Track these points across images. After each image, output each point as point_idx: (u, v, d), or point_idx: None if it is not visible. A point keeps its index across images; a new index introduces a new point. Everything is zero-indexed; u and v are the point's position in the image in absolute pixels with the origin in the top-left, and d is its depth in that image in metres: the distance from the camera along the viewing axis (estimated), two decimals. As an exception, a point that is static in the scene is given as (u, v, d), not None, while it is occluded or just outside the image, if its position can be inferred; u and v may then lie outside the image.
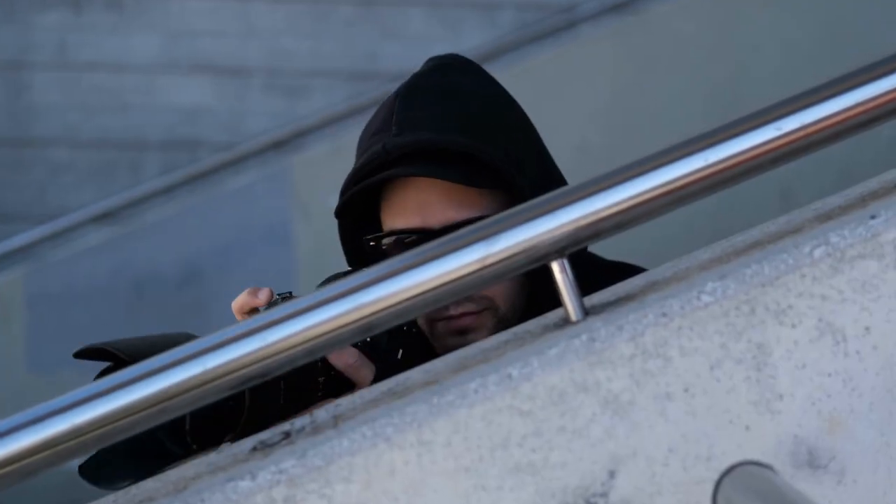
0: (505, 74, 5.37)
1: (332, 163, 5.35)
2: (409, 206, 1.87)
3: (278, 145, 5.51)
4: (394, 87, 6.10)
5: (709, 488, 1.41)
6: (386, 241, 1.89)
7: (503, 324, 1.82)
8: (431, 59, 1.98)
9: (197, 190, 5.46)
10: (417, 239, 1.84)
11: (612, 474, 1.41)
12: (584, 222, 1.45)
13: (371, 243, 1.89)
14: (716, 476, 1.41)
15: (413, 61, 6.72)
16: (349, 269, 1.98)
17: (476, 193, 1.84)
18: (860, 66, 1.49)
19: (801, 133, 1.47)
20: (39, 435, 1.40)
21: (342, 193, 1.88)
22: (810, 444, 1.42)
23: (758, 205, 4.91)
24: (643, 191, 1.46)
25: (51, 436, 1.40)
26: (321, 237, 5.30)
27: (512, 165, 1.83)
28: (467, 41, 6.00)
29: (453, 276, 1.45)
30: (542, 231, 1.45)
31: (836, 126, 1.47)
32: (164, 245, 5.32)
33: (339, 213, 1.91)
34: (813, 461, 1.42)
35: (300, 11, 6.21)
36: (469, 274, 1.45)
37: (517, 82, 5.36)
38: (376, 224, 1.93)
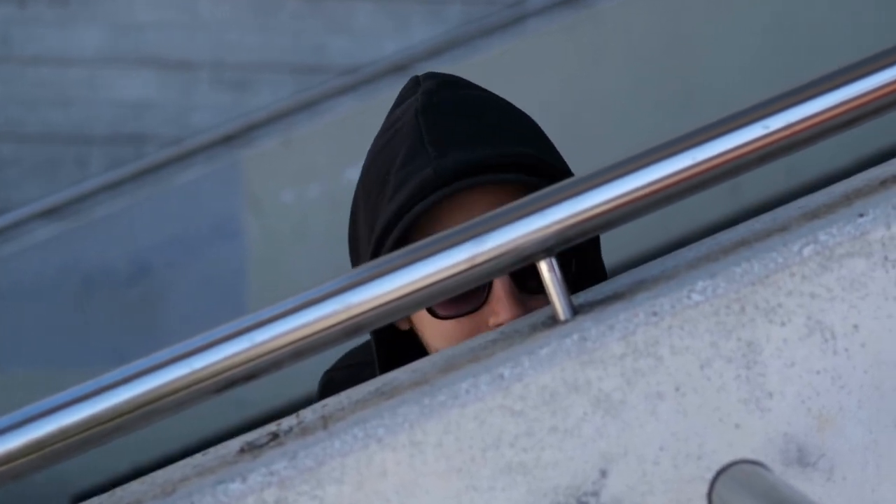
0: (455, 69, 5.37)
1: (282, 157, 5.33)
2: None
3: (227, 140, 5.48)
4: (340, 80, 6.02)
5: (699, 486, 1.41)
6: None
7: None
8: (425, 79, 1.83)
9: (145, 185, 5.42)
10: None
11: (603, 473, 1.41)
12: (572, 221, 1.45)
13: None
14: (706, 474, 1.41)
15: (361, 55, 6.71)
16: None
17: None
18: (846, 64, 1.50)
19: (788, 131, 1.47)
20: (26, 437, 1.39)
21: (383, 236, 1.71)
22: (800, 442, 1.43)
23: (707, 198, 4.93)
24: (631, 189, 1.46)
25: (38, 438, 1.39)
26: (271, 231, 5.28)
27: (566, 168, 1.75)
28: (415, 35, 5.99)
29: (442, 275, 1.44)
30: (531, 230, 1.44)
31: (823, 124, 1.48)
32: (113, 240, 5.28)
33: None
34: (802, 459, 1.43)
35: (246, 4, 6.18)
36: (458, 273, 1.44)
37: (467, 77, 5.36)
38: None
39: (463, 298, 1.70)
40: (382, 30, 6.19)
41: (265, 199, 5.30)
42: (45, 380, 5.06)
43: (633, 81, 5.33)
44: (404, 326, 1.81)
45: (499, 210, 1.47)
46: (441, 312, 1.73)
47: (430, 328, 1.76)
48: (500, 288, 1.70)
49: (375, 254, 1.71)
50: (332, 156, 5.33)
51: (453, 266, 1.44)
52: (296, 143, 5.35)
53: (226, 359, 1.42)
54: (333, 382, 1.94)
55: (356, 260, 1.81)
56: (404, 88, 1.85)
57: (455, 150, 1.70)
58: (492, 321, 1.70)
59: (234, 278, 5.28)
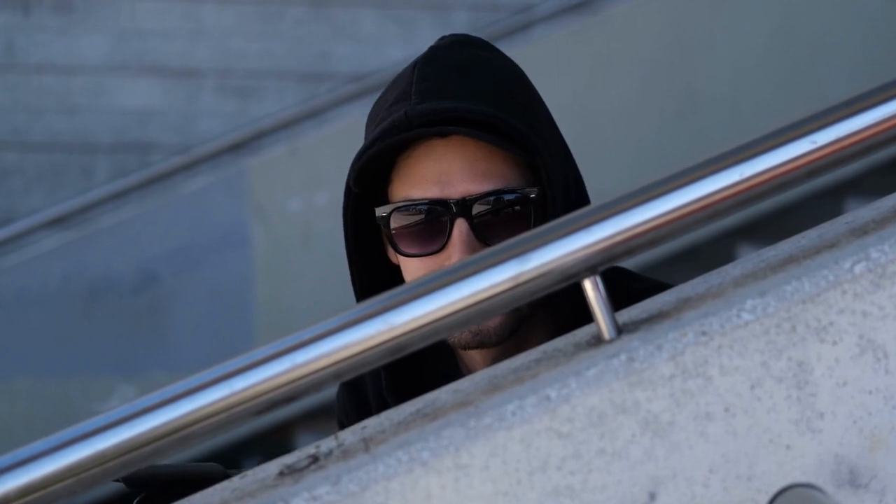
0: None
1: (289, 165, 5.31)
2: (428, 176, 1.77)
3: (234, 148, 5.45)
4: (348, 88, 5.97)
5: (750, 509, 1.39)
6: (398, 213, 1.79)
7: (521, 319, 1.77)
8: (445, 36, 1.91)
9: (151, 194, 5.39)
10: (433, 210, 1.76)
11: (652, 496, 1.38)
12: (617, 239, 1.43)
13: (383, 214, 1.80)
14: (757, 496, 1.39)
15: (366, 62, 6.67)
16: None
17: (498, 166, 1.77)
18: (894, 78, 1.47)
19: (836, 146, 1.45)
20: (63, 461, 1.36)
21: (354, 164, 1.78)
22: (851, 463, 1.40)
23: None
24: (677, 206, 1.43)
25: (75, 462, 1.36)
26: (278, 239, 5.25)
27: (537, 138, 1.77)
28: (422, 42, 5.96)
29: (486, 294, 1.41)
30: (575, 248, 1.42)
31: (872, 138, 1.45)
32: (119, 249, 5.25)
33: (356, 183, 1.80)
34: (854, 480, 1.40)
35: (250, 11, 6.16)
36: (502, 292, 1.42)
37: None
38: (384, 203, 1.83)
39: (427, 239, 1.78)
40: (388, 37, 6.17)
41: (272, 208, 5.28)
42: (52, 388, 5.04)
43: (640, 86, 5.31)
44: (396, 260, 1.86)
45: (544, 227, 1.44)
46: (405, 250, 1.79)
47: (402, 262, 1.83)
48: (457, 234, 1.75)
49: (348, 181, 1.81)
50: (339, 164, 5.26)
51: (497, 285, 1.41)
52: (302, 151, 5.32)
53: (266, 380, 1.39)
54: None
55: None
56: None
57: (432, 101, 1.77)
58: (447, 264, 1.74)
59: (242, 287, 5.25)
